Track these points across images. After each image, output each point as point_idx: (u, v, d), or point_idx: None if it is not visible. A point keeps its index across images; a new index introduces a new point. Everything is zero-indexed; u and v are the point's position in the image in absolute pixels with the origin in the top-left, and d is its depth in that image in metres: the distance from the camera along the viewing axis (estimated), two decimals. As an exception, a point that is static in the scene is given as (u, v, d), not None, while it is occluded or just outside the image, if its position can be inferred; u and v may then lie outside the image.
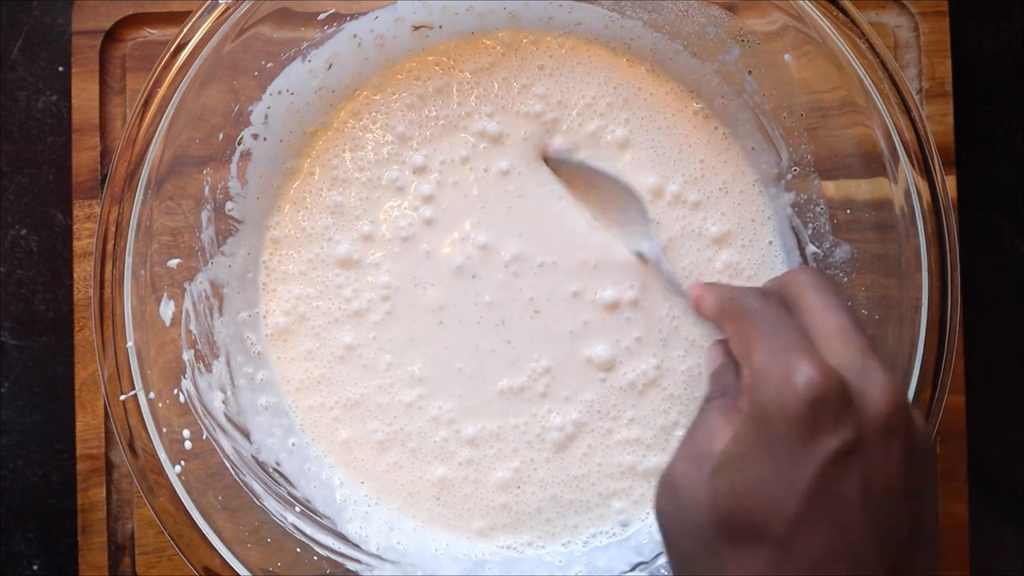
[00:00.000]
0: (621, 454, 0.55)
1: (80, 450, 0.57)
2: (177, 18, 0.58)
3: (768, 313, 0.43)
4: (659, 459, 0.55)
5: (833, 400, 0.37)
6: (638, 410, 0.55)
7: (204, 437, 0.51)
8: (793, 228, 0.56)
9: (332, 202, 0.55)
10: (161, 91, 0.48)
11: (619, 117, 0.56)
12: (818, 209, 0.54)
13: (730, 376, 0.45)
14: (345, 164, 0.56)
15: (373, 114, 0.56)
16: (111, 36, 0.58)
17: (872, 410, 0.38)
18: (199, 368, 0.52)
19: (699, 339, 0.55)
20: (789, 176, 0.55)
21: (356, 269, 0.55)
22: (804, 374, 0.38)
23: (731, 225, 0.56)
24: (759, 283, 0.56)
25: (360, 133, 0.56)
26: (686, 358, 0.55)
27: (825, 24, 0.48)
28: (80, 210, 0.58)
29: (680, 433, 0.55)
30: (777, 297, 0.44)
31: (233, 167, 0.53)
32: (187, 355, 0.51)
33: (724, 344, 0.47)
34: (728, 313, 0.44)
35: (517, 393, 0.55)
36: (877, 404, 0.38)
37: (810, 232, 0.55)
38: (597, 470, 0.55)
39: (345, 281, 0.55)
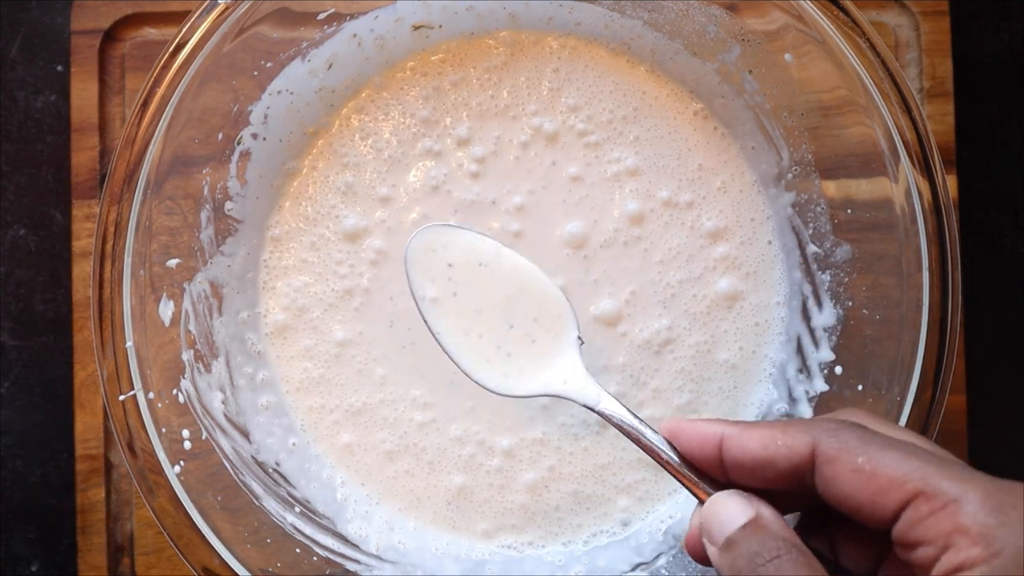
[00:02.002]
0: None
1: (79, 450, 0.57)
2: (176, 18, 0.58)
3: (896, 440, 0.36)
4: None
5: None
6: (659, 378, 0.55)
7: (203, 437, 0.50)
8: (793, 228, 0.55)
9: (342, 183, 0.55)
10: (160, 91, 0.48)
11: (630, 134, 0.56)
12: (818, 209, 0.54)
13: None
14: (357, 150, 0.56)
15: (383, 108, 0.56)
16: (110, 36, 0.58)
17: None
18: (198, 368, 0.52)
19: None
20: (789, 176, 0.55)
21: (360, 240, 0.55)
22: None
23: (729, 223, 0.56)
24: (759, 279, 0.56)
25: (371, 124, 0.56)
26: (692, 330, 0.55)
27: (826, 24, 0.48)
28: (79, 210, 0.58)
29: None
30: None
31: (232, 167, 0.53)
32: (186, 355, 0.51)
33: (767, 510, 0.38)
34: (835, 445, 0.36)
35: (558, 400, 0.55)
36: None
37: (810, 232, 0.55)
38: (622, 456, 0.55)
39: (345, 256, 0.55)
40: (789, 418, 0.55)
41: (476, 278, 0.48)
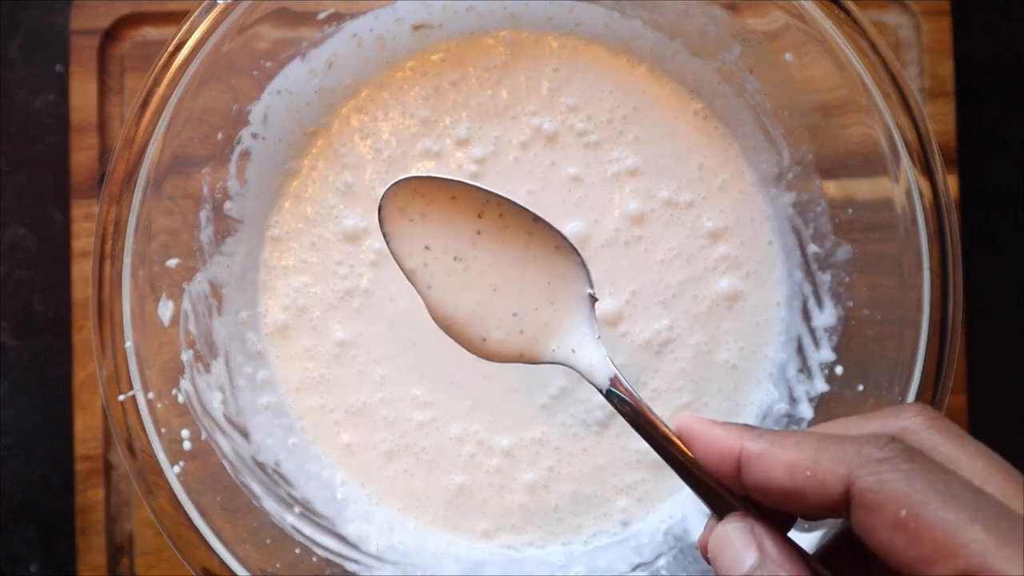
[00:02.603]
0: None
1: (79, 451, 0.57)
2: (176, 17, 0.58)
3: (946, 479, 0.30)
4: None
5: None
6: (659, 378, 0.55)
7: (203, 437, 0.50)
8: (794, 228, 0.55)
9: (342, 183, 0.55)
10: (160, 90, 0.48)
11: (630, 134, 0.56)
12: (819, 209, 0.54)
13: None
14: (357, 151, 0.56)
15: (383, 108, 0.56)
16: (110, 35, 0.58)
17: None
18: (198, 368, 0.52)
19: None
20: (790, 175, 0.55)
21: (360, 241, 0.55)
22: None
23: (729, 223, 0.56)
24: (759, 279, 0.56)
25: (370, 124, 0.56)
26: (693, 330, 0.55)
27: (826, 23, 0.48)
28: (79, 210, 0.58)
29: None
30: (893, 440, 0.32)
31: (232, 167, 0.53)
32: (186, 355, 0.51)
33: (787, 545, 0.34)
34: (871, 491, 0.30)
35: (558, 397, 0.55)
36: None
37: (811, 232, 0.54)
38: (621, 457, 0.55)
39: (345, 257, 0.55)
40: (798, 426, 0.53)
41: (462, 261, 0.42)
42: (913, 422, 0.33)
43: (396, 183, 0.41)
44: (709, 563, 0.35)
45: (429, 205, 0.40)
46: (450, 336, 0.42)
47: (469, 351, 0.43)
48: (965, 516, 0.28)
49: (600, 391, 0.40)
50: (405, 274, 0.42)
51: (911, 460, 0.30)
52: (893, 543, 0.29)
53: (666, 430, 0.37)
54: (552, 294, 0.41)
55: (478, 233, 0.40)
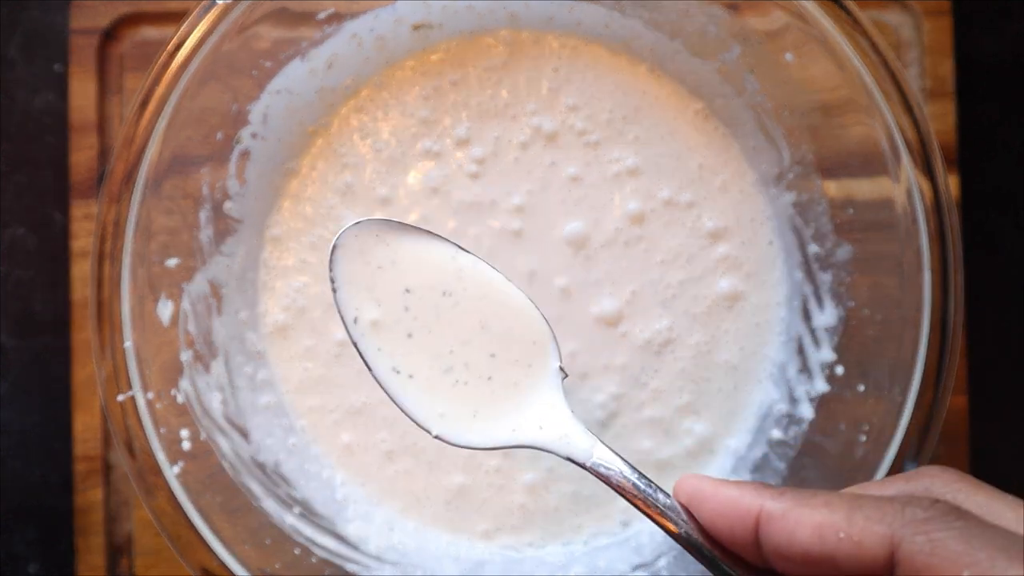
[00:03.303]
0: (643, 438, 0.55)
1: (78, 451, 0.57)
2: (175, 17, 0.58)
3: (993, 533, 0.27)
4: (669, 451, 0.55)
5: None
6: (659, 378, 0.55)
7: (203, 438, 0.50)
8: (794, 228, 0.55)
9: (342, 184, 0.55)
10: (159, 90, 0.48)
11: (630, 133, 0.55)
12: (819, 209, 0.54)
13: None
14: (357, 151, 0.55)
15: (382, 108, 0.56)
16: (109, 35, 0.58)
17: None
18: (198, 368, 0.52)
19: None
20: (790, 175, 0.55)
21: None
22: None
23: (729, 223, 0.56)
24: (760, 279, 0.56)
25: (370, 124, 0.56)
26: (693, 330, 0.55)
27: (827, 23, 0.48)
28: (78, 209, 0.58)
29: (688, 424, 0.55)
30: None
31: (232, 166, 0.53)
32: (185, 355, 0.51)
33: None
34: (920, 554, 0.26)
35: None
36: None
37: (811, 232, 0.54)
38: None
39: None
40: (799, 427, 0.53)
41: (438, 309, 0.37)
42: (936, 480, 0.30)
43: (353, 226, 0.36)
44: None
45: (395, 250, 0.37)
46: (400, 400, 0.36)
47: (416, 418, 0.37)
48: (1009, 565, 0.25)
49: (582, 465, 0.35)
50: (356, 335, 0.36)
51: (961, 518, 0.27)
52: None
53: (666, 499, 0.33)
54: (532, 357, 0.37)
55: (461, 269, 0.37)
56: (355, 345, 0.35)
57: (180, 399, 0.50)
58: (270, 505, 0.51)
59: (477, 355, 0.36)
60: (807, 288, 0.55)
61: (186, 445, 0.49)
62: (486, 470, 0.55)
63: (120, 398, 0.47)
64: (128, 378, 0.47)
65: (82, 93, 0.58)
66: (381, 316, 0.36)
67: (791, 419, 0.55)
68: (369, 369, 0.35)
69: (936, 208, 0.47)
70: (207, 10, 0.48)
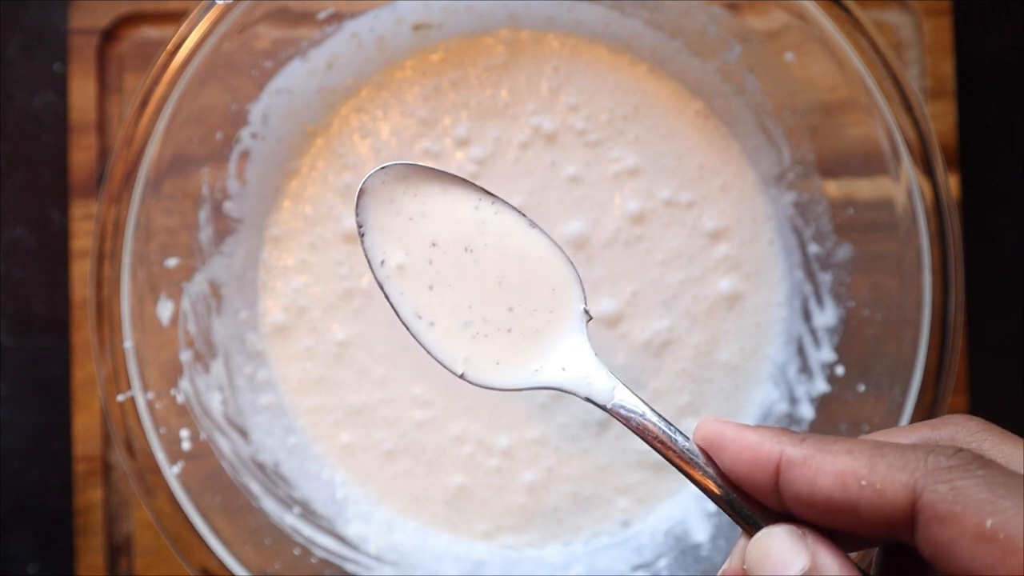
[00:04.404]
0: None
1: (78, 451, 0.57)
2: (175, 17, 0.57)
3: (1018, 484, 0.26)
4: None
5: None
6: (660, 379, 0.55)
7: (202, 438, 0.50)
8: (794, 227, 0.55)
9: (342, 183, 0.55)
10: (159, 90, 0.47)
11: (630, 133, 0.55)
12: (820, 208, 0.54)
13: None
14: (357, 151, 0.55)
15: (382, 108, 0.56)
16: (109, 35, 0.58)
17: None
18: (197, 368, 0.52)
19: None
20: (791, 175, 0.55)
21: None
22: None
23: (730, 223, 0.56)
24: (760, 279, 0.56)
25: (370, 124, 0.56)
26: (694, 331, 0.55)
27: (827, 22, 0.48)
28: (77, 209, 0.58)
29: (689, 424, 0.55)
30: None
31: (232, 166, 0.53)
32: (185, 355, 0.51)
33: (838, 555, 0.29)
34: (942, 502, 0.26)
35: (557, 396, 0.55)
36: None
37: (812, 231, 0.54)
38: (621, 457, 0.55)
39: (344, 257, 0.55)
40: (799, 427, 0.51)
41: (458, 266, 0.38)
42: (961, 428, 0.30)
43: (380, 170, 0.37)
44: None
45: (424, 201, 0.37)
46: (425, 342, 0.37)
47: (441, 359, 0.37)
48: None
49: (603, 407, 0.36)
50: (381, 277, 0.37)
51: (986, 466, 0.27)
52: (978, 559, 0.25)
53: (685, 442, 0.34)
54: (553, 303, 0.37)
55: (483, 223, 0.37)
56: (380, 285, 0.36)
57: (180, 399, 0.50)
58: (270, 505, 0.51)
59: (495, 310, 0.36)
60: (807, 288, 0.55)
61: (186, 445, 0.49)
62: (486, 470, 0.55)
63: (120, 398, 0.47)
64: (128, 378, 0.47)
65: (82, 93, 0.58)
66: (407, 263, 0.37)
67: (791, 419, 0.55)
68: (394, 309, 0.36)
69: (936, 208, 0.47)
70: (207, 10, 0.48)
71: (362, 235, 0.37)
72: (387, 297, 0.36)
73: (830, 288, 0.54)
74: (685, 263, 0.55)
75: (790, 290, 0.56)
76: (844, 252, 0.53)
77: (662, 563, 0.53)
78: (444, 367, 0.36)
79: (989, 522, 0.25)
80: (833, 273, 0.54)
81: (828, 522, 0.29)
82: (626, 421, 0.35)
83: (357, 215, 0.37)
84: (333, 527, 0.54)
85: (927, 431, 0.31)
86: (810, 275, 0.55)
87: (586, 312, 0.37)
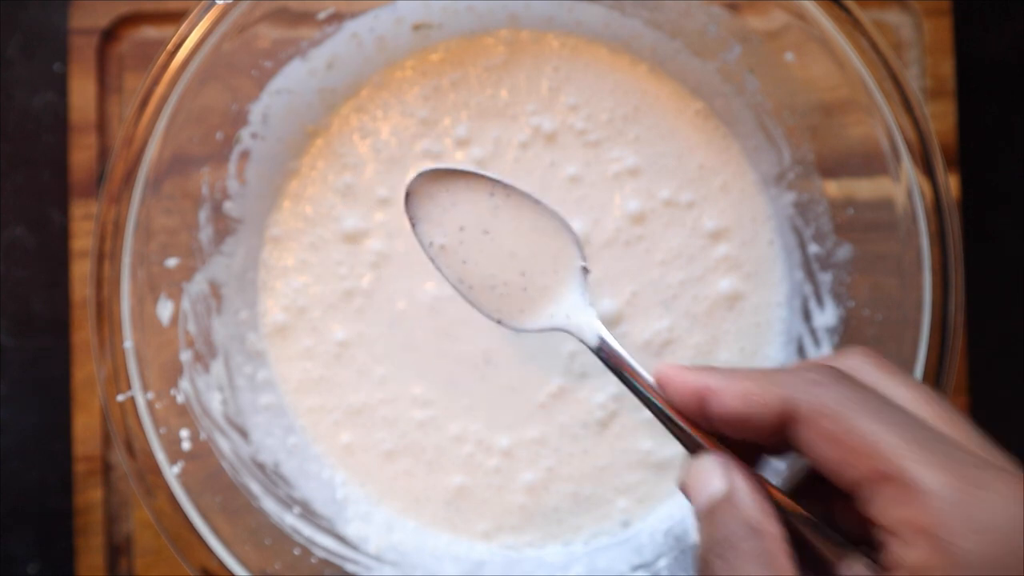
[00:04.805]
0: (643, 438, 0.55)
1: (78, 451, 0.57)
2: (175, 17, 0.57)
3: (879, 400, 0.33)
4: (669, 451, 0.55)
5: None
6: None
7: (202, 438, 0.50)
8: (794, 227, 0.55)
9: (342, 184, 0.55)
10: (159, 90, 0.47)
11: (630, 133, 0.55)
12: (820, 208, 0.54)
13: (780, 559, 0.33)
14: (357, 151, 0.55)
15: (382, 108, 0.56)
16: (109, 35, 0.58)
17: None
18: (197, 368, 0.52)
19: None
20: (791, 175, 0.55)
21: (360, 242, 0.55)
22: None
23: (730, 223, 0.56)
24: (760, 279, 0.56)
25: (370, 124, 0.56)
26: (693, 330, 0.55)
27: (827, 22, 0.48)
28: (77, 209, 0.58)
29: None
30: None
31: (232, 166, 0.53)
32: (185, 355, 0.51)
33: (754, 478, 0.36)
34: (813, 411, 0.33)
35: (557, 396, 0.55)
36: None
37: (812, 231, 0.54)
38: (621, 457, 0.55)
39: (344, 257, 0.55)
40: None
41: (480, 244, 0.47)
42: (856, 359, 0.36)
43: (419, 175, 0.46)
44: (687, 498, 0.38)
45: (454, 194, 0.47)
46: (470, 300, 0.47)
47: (483, 311, 0.47)
48: (886, 428, 0.31)
49: (590, 348, 0.44)
50: (432, 255, 0.47)
51: (842, 382, 0.33)
52: (825, 454, 0.32)
53: (647, 380, 0.41)
54: (556, 264, 0.46)
55: (496, 207, 0.46)
56: (432, 260, 0.46)
57: (180, 399, 0.50)
58: (270, 505, 0.51)
59: (512, 276, 0.46)
60: (807, 288, 0.55)
61: (186, 445, 0.49)
62: (486, 470, 0.55)
63: (120, 398, 0.47)
64: (128, 378, 0.47)
65: (81, 93, 0.58)
66: (446, 243, 0.46)
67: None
68: (445, 277, 0.46)
69: (936, 208, 0.47)
70: (207, 10, 0.48)
71: (413, 225, 0.46)
72: (439, 270, 0.46)
73: (830, 288, 0.54)
74: (685, 263, 0.55)
75: (790, 290, 0.56)
76: (844, 252, 0.53)
77: (662, 563, 0.53)
78: (485, 316, 0.46)
79: (833, 424, 0.32)
80: (833, 273, 0.54)
81: (740, 433, 0.36)
82: (607, 359, 0.42)
83: (408, 210, 0.46)
84: (333, 527, 0.54)
85: (832, 359, 0.37)
86: (810, 275, 0.55)
87: (584, 268, 0.46)
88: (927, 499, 0.30)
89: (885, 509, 0.31)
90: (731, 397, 0.35)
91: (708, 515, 0.35)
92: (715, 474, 0.36)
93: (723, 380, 0.36)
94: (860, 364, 0.36)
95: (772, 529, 0.34)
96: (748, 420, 0.35)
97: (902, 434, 0.31)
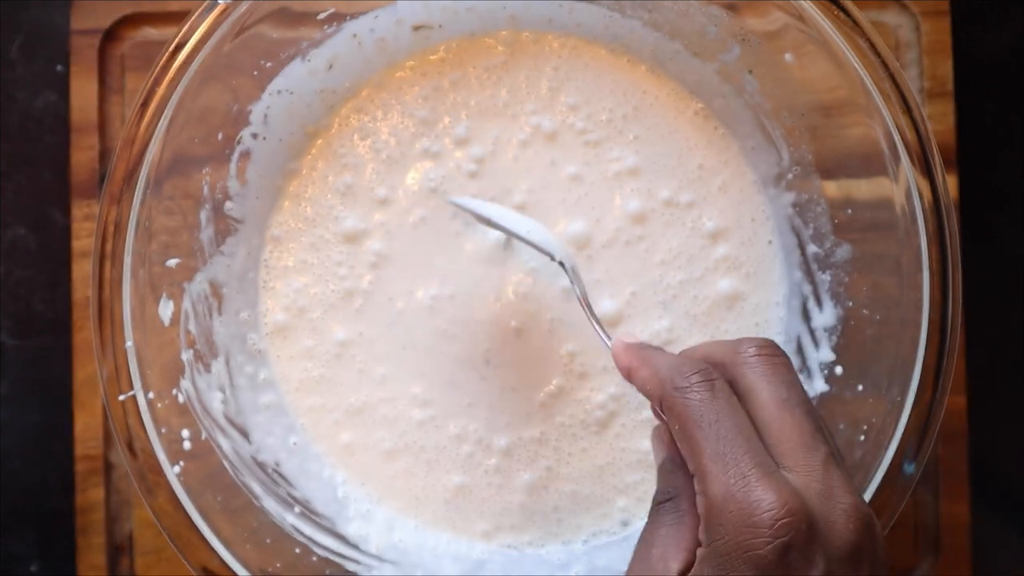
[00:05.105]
0: (643, 438, 0.55)
1: (79, 451, 0.57)
2: (176, 17, 0.58)
3: (717, 414, 0.38)
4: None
5: (803, 542, 0.35)
6: None
7: (203, 437, 0.50)
8: (793, 228, 0.55)
9: (342, 184, 0.55)
10: (160, 90, 0.48)
11: (630, 133, 0.56)
12: (819, 209, 0.54)
13: (679, 478, 0.41)
14: (356, 151, 0.56)
15: (382, 108, 0.56)
16: (110, 35, 0.58)
17: (841, 541, 0.36)
18: (198, 368, 0.52)
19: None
20: (790, 176, 0.55)
21: (360, 242, 0.55)
22: (771, 516, 0.34)
23: (729, 223, 0.56)
24: (759, 279, 0.56)
25: (370, 124, 0.56)
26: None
27: (826, 24, 0.48)
28: (79, 210, 0.58)
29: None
30: (722, 376, 0.40)
31: (232, 167, 0.53)
32: (186, 355, 0.51)
33: (668, 434, 0.42)
34: (671, 409, 0.39)
35: (557, 396, 0.55)
36: (847, 535, 0.36)
37: (811, 232, 0.54)
38: (621, 457, 0.55)
39: (344, 257, 0.55)
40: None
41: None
42: (746, 353, 0.40)
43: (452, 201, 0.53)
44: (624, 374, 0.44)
45: (484, 211, 0.52)
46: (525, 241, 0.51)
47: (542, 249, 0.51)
48: (709, 440, 0.37)
49: (575, 292, 0.49)
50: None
51: (693, 393, 0.39)
52: (681, 448, 0.39)
53: (602, 333, 0.48)
54: (547, 233, 0.51)
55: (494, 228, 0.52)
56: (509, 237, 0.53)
57: (181, 399, 0.50)
58: (270, 504, 0.52)
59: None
60: (806, 288, 0.55)
61: (187, 445, 0.49)
62: (486, 470, 0.55)
63: (121, 398, 0.47)
64: (129, 378, 0.47)
65: (83, 93, 0.58)
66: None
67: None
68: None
69: (935, 208, 0.47)
70: (208, 11, 0.48)
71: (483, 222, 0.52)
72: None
73: (829, 288, 0.54)
74: (685, 263, 0.55)
75: (789, 290, 0.56)
76: (843, 252, 0.53)
77: (661, 562, 0.54)
78: (543, 251, 0.51)
79: (677, 428, 0.39)
80: (832, 273, 0.54)
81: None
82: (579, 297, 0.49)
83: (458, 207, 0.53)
84: (334, 526, 0.54)
85: (733, 345, 0.41)
86: (809, 275, 0.55)
87: (561, 264, 0.50)
88: (708, 501, 0.37)
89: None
90: (639, 381, 0.42)
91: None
92: (626, 352, 0.44)
93: (636, 364, 0.43)
94: (747, 359, 0.40)
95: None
96: (650, 398, 0.42)
97: (715, 447, 0.37)
